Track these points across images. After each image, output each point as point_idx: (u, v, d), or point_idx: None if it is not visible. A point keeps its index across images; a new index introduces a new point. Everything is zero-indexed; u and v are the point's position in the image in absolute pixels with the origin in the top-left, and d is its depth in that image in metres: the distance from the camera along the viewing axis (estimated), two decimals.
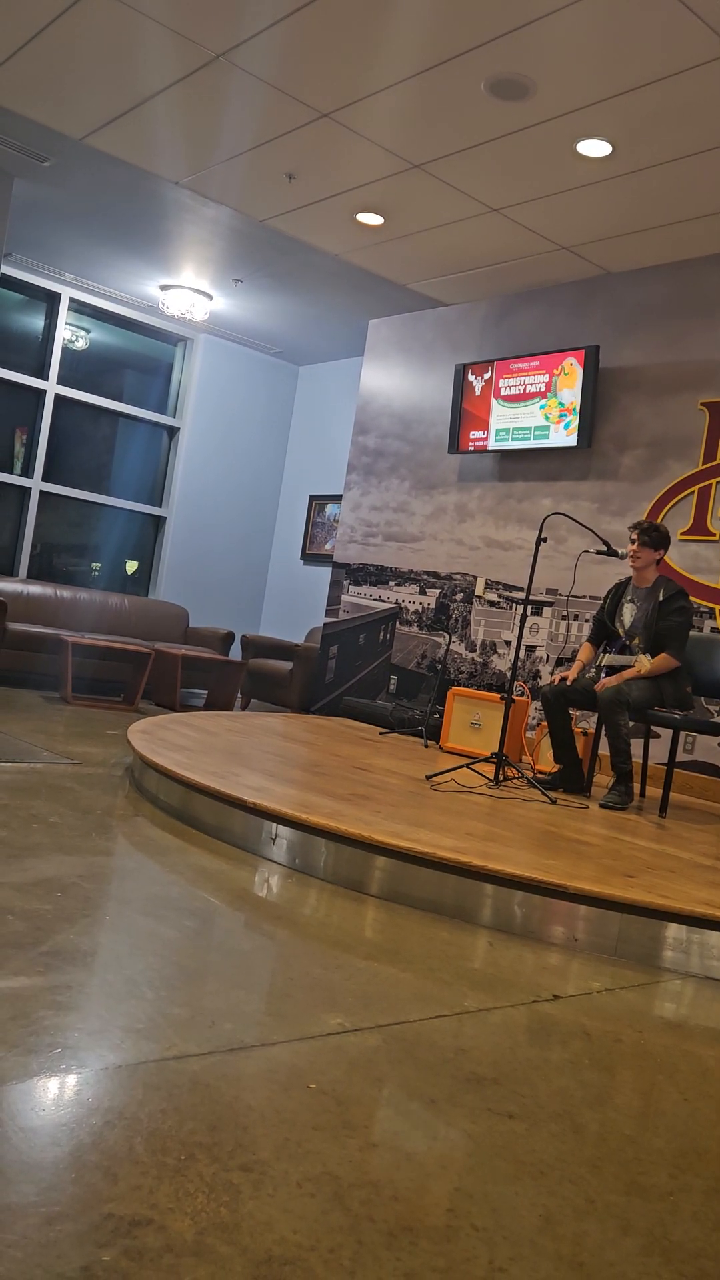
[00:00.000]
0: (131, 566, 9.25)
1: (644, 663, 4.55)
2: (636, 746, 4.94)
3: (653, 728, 5.04)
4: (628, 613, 4.84)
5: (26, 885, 2.76)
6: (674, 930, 2.90)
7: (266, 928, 2.85)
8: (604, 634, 4.94)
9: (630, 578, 4.92)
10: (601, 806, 4.50)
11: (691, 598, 4.89)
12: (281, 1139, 1.63)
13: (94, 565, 9.08)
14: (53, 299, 8.30)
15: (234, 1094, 1.76)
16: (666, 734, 5.33)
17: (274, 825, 3.43)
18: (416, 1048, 2.08)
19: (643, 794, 4.92)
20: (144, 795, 4.13)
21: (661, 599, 4.70)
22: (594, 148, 4.82)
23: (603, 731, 5.14)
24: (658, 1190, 1.66)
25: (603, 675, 4.73)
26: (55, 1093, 1.68)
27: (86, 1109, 1.64)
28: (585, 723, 5.25)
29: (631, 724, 4.58)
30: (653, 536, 4.76)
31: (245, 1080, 1.83)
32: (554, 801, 4.42)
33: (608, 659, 4.77)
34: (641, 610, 4.78)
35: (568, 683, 4.75)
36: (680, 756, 5.38)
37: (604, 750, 5.32)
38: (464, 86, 4.48)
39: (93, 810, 3.78)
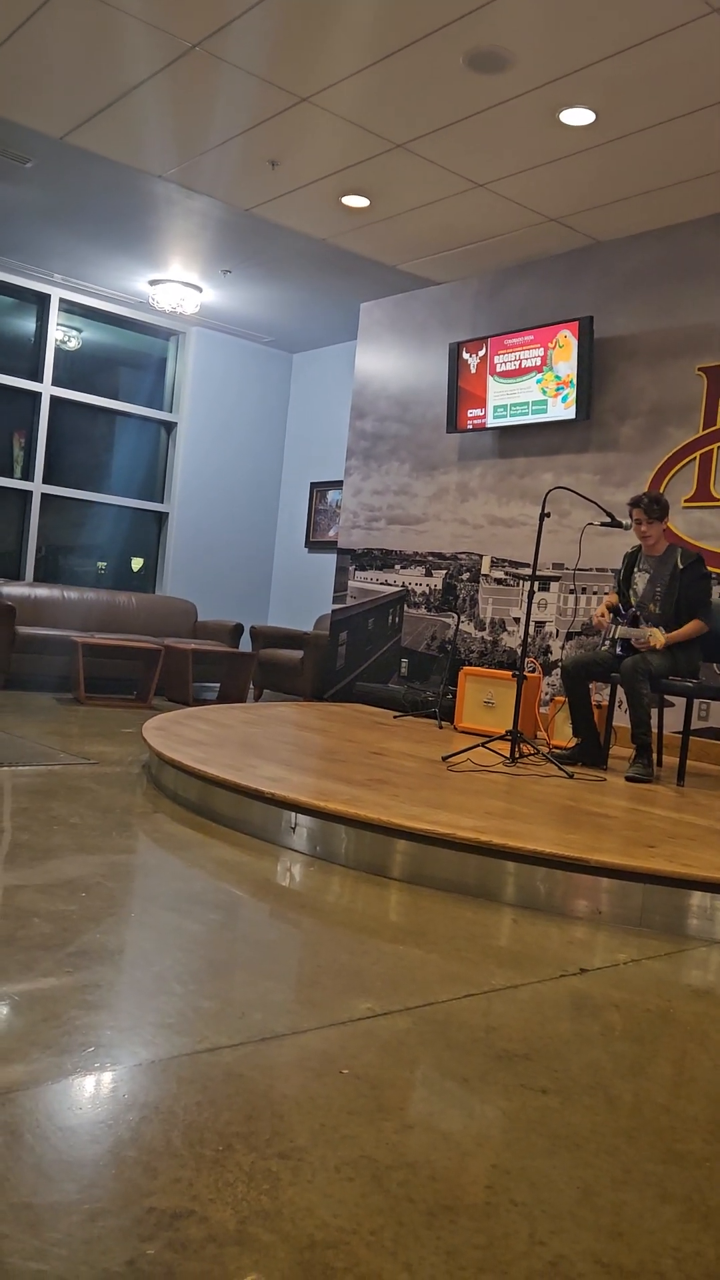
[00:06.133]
0: (137, 564, 9.26)
1: (657, 636, 4.53)
2: (651, 716, 4.92)
3: (666, 696, 5.03)
4: (640, 581, 4.84)
5: (51, 886, 2.77)
6: (698, 898, 2.90)
7: (291, 917, 2.86)
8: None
9: (640, 545, 4.92)
10: (628, 780, 4.50)
11: None
12: (317, 1125, 1.64)
13: (99, 564, 9.09)
14: (42, 300, 8.29)
15: (268, 1083, 1.77)
16: (680, 702, 5.31)
17: (293, 814, 3.44)
18: (447, 1028, 2.09)
19: (659, 763, 4.92)
20: (162, 791, 4.15)
21: (681, 567, 4.70)
22: (577, 116, 4.78)
23: (617, 703, 5.14)
24: (694, 1157, 1.67)
25: (618, 649, 4.72)
26: (91, 1091, 1.70)
27: (122, 1105, 1.65)
28: (598, 695, 5.24)
29: (650, 693, 4.59)
30: (658, 508, 4.77)
31: (278, 1069, 1.84)
32: (571, 776, 4.42)
33: (620, 631, 4.75)
34: (655, 578, 4.78)
35: (605, 612, 4.79)
36: (695, 724, 5.37)
37: (619, 722, 5.32)
38: (442, 62, 4.44)
39: (112, 809, 3.79)
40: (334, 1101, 1.73)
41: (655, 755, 4.81)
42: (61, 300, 8.33)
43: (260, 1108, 1.68)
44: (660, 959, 2.69)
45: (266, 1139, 1.59)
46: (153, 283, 7.85)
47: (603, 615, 4.85)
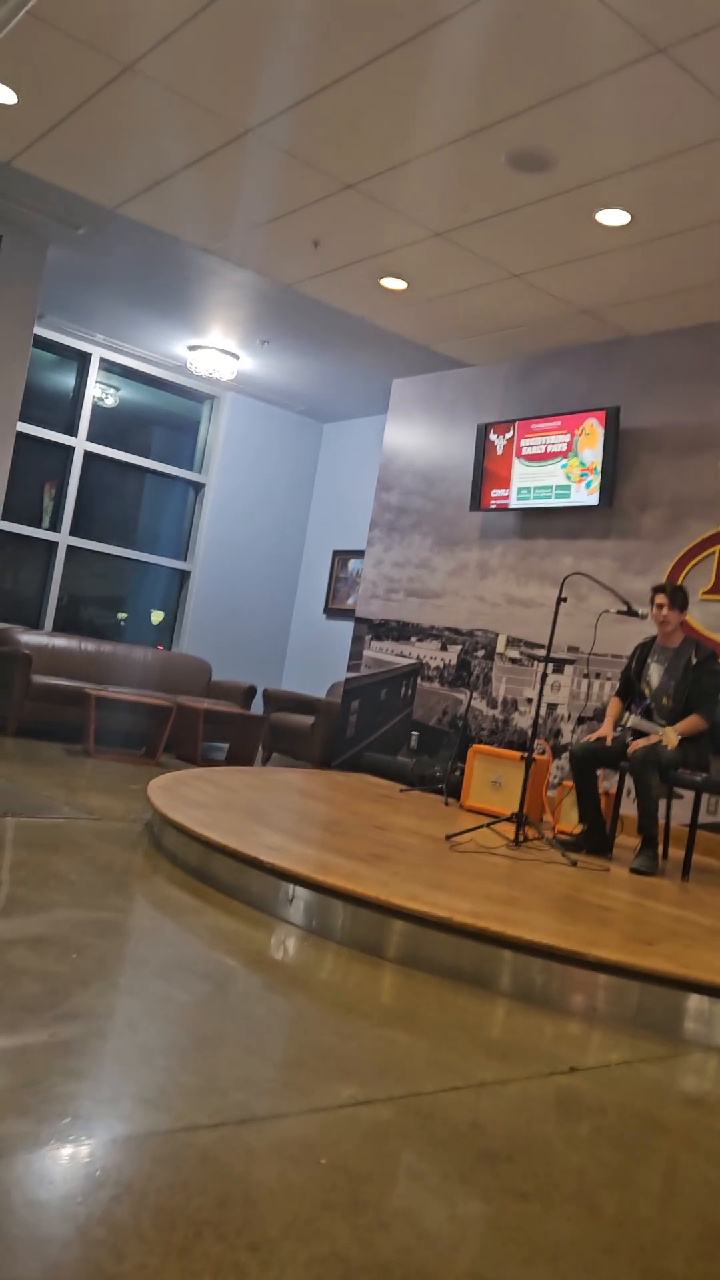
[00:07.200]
0: (157, 617, 9.33)
1: (670, 736, 4.53)
2: (659, 808, 4.88)
3: (675, 789, 4.99)
4: (654, 673, 4.84)
5: (42, 944, 2.76)
6: (695, 1001, 2.85)
7: (282, 992, 2.83)
8: (631, 690, 4.96)
9: (655, 637, 4.93)
10: (632, 872, 4.44)
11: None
12: (291, 1216, 1.61)
13: (120, 616, 9.17)
14: (83, 359, 8.49)
15: (243, 1168, 1.74)
16: (688, 795, 5.27)
17: (291, 886, 3.41)
18: (430, 1121, 2.05)
19: (665, 856, 4.86)
20: (163, 852, 4.13)
21: (695, 661, 4.71)
22: (613, 217, 4.91)
23: (625, 792, 5.10)
24: (674, 1277, 1.62)
25: (629, 737, 4.71)
26: (64, 1164, 1.67)
27: (94, 1182, 1.63)
28: (606, 782, 5.20)
29: (659, 784, 4.56)
30: (681, 596, 4.80)
31: (255, 1154, 1.81)
32: (574, 864, 4.37)
33: (633, 721, 4.75)
34: (669, 672, 4.78)
35: (606, 743, 4.75)
36: (703, 818, 5.32)
37: (626, 811, 5.27)
38: (485, 159, 4.59)
39: (111, 867, 3.78)
40: (309, 1192, 1.70)
41: (661, 848, 4.76)
42: (102, 359, 8.53)
43: (233, 1194, 1.65)
44: (653, 1062, 2.64)
45: (237, 1228, 1.56)
46: (192, 348, 8.04)
47: (602, 735, 4.84)
